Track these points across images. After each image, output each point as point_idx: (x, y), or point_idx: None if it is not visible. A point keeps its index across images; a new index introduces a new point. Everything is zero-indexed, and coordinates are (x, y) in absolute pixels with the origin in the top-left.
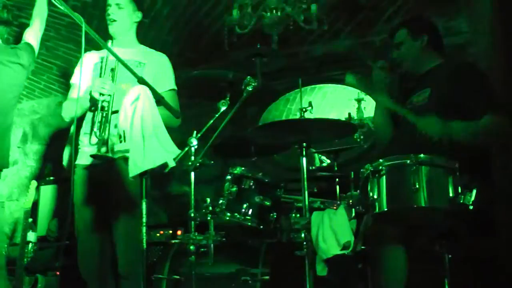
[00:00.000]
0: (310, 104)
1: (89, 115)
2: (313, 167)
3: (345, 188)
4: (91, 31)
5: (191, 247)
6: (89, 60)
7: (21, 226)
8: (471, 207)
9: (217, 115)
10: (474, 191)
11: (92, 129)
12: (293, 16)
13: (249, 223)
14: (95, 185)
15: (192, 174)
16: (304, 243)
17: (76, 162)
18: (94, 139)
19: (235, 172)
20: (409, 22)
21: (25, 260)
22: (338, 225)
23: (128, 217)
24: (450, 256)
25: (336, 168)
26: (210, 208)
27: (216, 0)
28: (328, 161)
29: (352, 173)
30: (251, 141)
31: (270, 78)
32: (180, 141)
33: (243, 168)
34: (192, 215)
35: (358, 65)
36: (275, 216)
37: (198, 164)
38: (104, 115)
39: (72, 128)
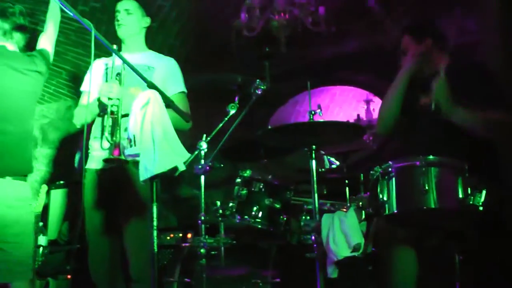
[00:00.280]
0: (319, 106)
1: (98, 119)
2: (323, 169)
3: (355, 189)
4: (100, 36)
5: (202, 250)
6: (98, 67)
7: None
8: (480, 208)
9: (226, 118)
10: (484, 192)
11: (102, 134)
12: (301, 19)
13: (259, 226)
14: (106, 189)
15: (202, 177)
16: (315, 245)
17: (87, 167)
18: (106, 144)
19: (245, 175)
20: (411, 29)
21: (36, 264)
22: (348, 227)
23: (139, 221)
24: (460, 257)
25: (345, 170)
26: (220, 211)
27: (223, 3)
28: (338, 162)
29: (362, 175)
30: (261, 143)
31: (278, 80)
32: (190, 144)
33: (252, 171)
34: (203, 218)
35: (366, 66)
36: (285, 218)
37: (208, 168)
38: (114, 119)
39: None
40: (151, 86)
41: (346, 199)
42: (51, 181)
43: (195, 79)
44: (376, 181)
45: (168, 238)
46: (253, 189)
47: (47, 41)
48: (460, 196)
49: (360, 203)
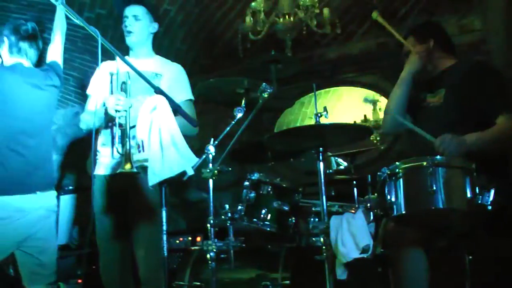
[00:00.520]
0: (325, 109)
1: (107, 127)
2: (330, 171)
3: (363, 190)
4: (107, 43)
5: (211, 254)
6: (105, 70)
7: None
8: (489, 208)
9: (233, 122)
10: (492, 192)
11: (112, 143)
12: (306, 21)
13: (268, 228)
14: (115, 194)
15: (211, 181)
16: (323, 247)
17: (95, 173)
18: (116, 154)
19: (253, 178)
20: (414, 30)
21: None
22: (357, 228)
23: (148, 225)
24: (470, 257)
25: (353, 171)
26: (229, 214)
27: (229, 7)
28: (345, 163)
29: (369, 176)
30: (268, 146)
31: (284, 82)
32: (198, 148)
33: (260, 174)
34: (212, 221)
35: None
36: (293, 220)
37: (216, 172)
38: (123, 130)
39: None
40: (159, 92)
41: (354, 200)
42: (60, 187)
43: (202, 83)
44: (384, 182)
45: (178, 241)
46: (261, 192)
47: (56, 53)
48: (468, 196)
49: (368, 205)
